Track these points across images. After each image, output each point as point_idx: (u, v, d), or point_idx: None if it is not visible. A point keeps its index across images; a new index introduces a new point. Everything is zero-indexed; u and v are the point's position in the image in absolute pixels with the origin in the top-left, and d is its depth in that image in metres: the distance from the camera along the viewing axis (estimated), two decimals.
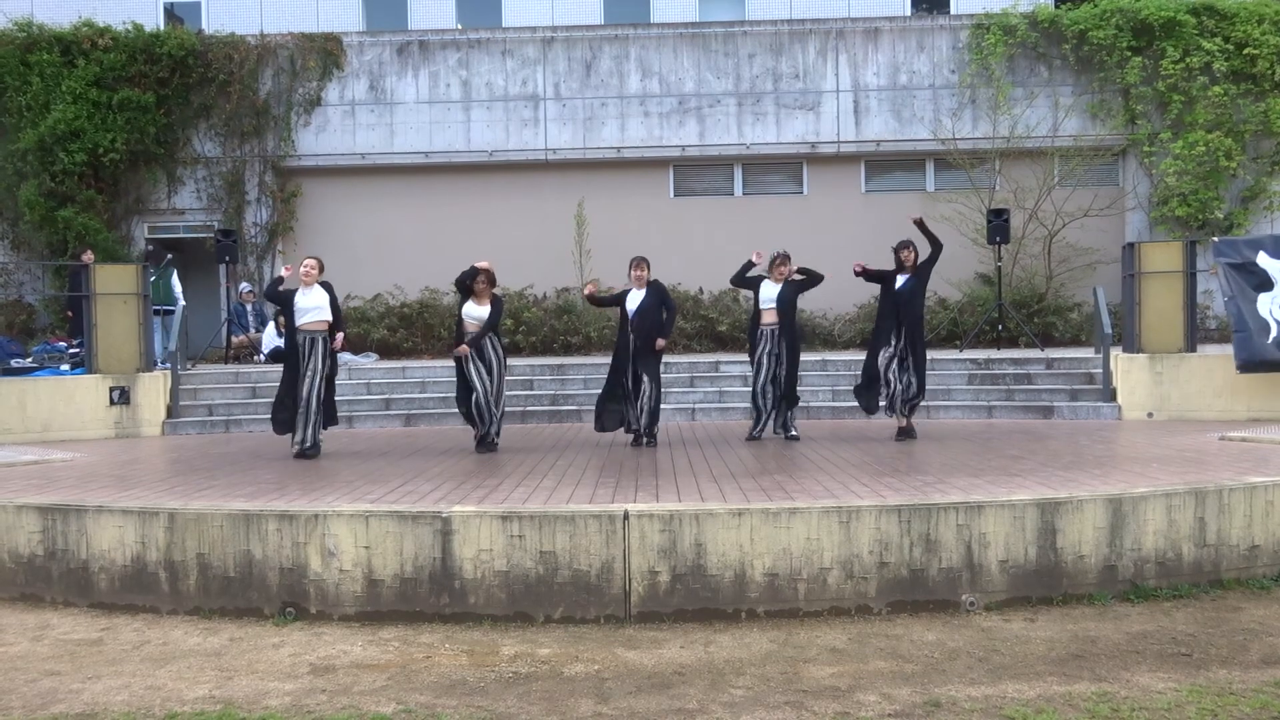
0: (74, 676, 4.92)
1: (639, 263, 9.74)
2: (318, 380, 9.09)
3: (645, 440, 9.53)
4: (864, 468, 7.60)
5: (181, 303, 13.88)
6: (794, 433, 9.79)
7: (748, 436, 9.87)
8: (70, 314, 15.34)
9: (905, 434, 9.55)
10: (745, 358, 13.98)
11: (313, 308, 9.12)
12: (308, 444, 9.12)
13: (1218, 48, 15.83)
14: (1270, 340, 10.66)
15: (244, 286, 15.93)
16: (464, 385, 9.33)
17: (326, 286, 9.28)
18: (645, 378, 9.49)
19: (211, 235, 15.72)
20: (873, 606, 5.73)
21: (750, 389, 10.08)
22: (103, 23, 16.50)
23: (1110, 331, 12.01)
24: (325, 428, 9.42)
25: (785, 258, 9.82)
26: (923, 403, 9.91)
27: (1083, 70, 16.44)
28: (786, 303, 9.69)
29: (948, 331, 15.46)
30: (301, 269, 9.21)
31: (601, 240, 16.17)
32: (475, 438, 9.45)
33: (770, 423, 9.84)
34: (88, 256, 14.48)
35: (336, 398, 9.67)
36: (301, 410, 9.08)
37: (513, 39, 16.97)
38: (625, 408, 9.61)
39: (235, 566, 5.92)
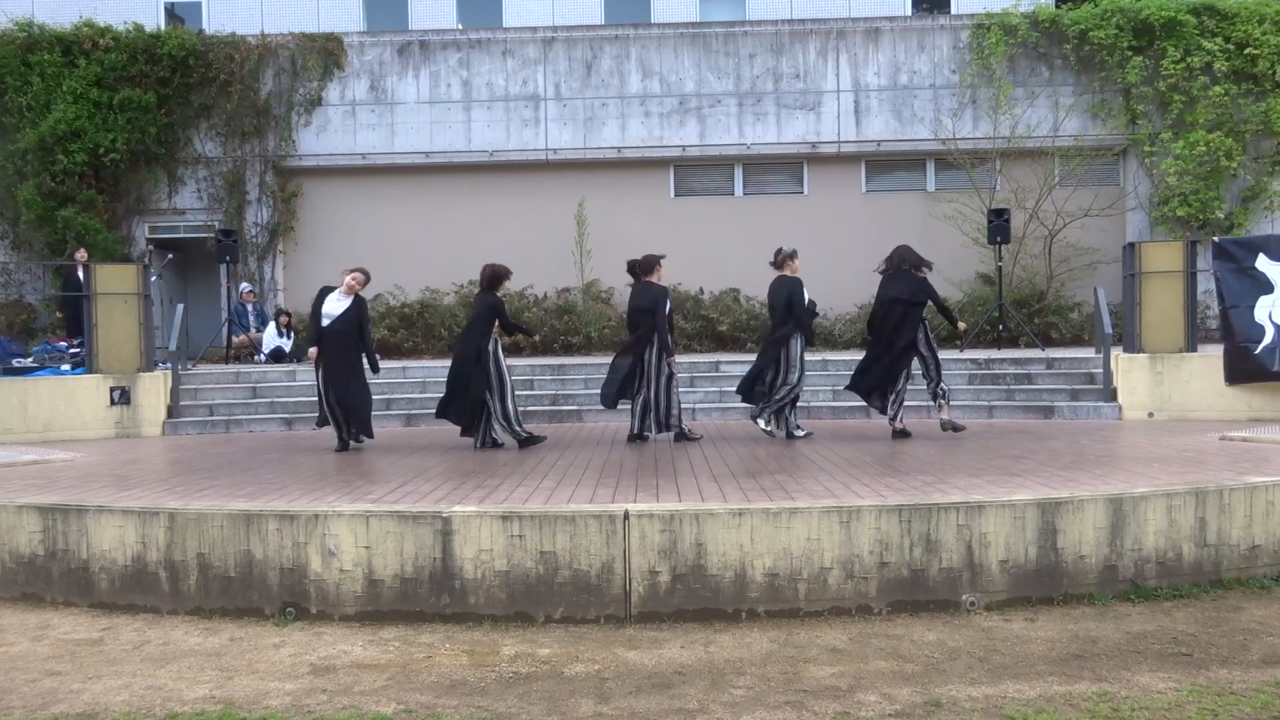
0: (74, 676, 4.92)
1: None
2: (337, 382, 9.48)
3: (685, 432, 9.76)
4: (864, 467, 7.59)
5: None
6: (799, 433, 9.81)
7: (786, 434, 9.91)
8: (61, 314, 15.36)
9: (900, 434, 9.60)
10: (746, 358, 14.03)
11: (338, 314, 9.43)
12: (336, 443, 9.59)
13: (1218, 47, 15.83)
14: (1263, 347, 10.65)
15: (244, 286, 15.93)
16: (462, 387, 9.44)
17: (359, 302, 9.60)
18: (661, 374, 9.63)
19: (212, 235, 15.74)
20: (873, 606, 5.73)
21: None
22: (103, 23, 16.52)
23: (1111, 331, 12.01)
24: (356, 438, 9.74)
25: (791, 255, 9.83)
26: (915, 403, 9.90)
27: (1083, 70, 16.44)
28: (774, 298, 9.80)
29: (948, 332, 15.44)
30: (349, 279, 9.52)
31: (602, 240, 16.18)
32: (477, 443, 9.58)
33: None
34: (80, 255, 14.49)
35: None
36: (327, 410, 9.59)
37: (513, 39, 16.98)
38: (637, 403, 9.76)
39: (236, 566, 5.92)
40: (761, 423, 9.73)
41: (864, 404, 11.86)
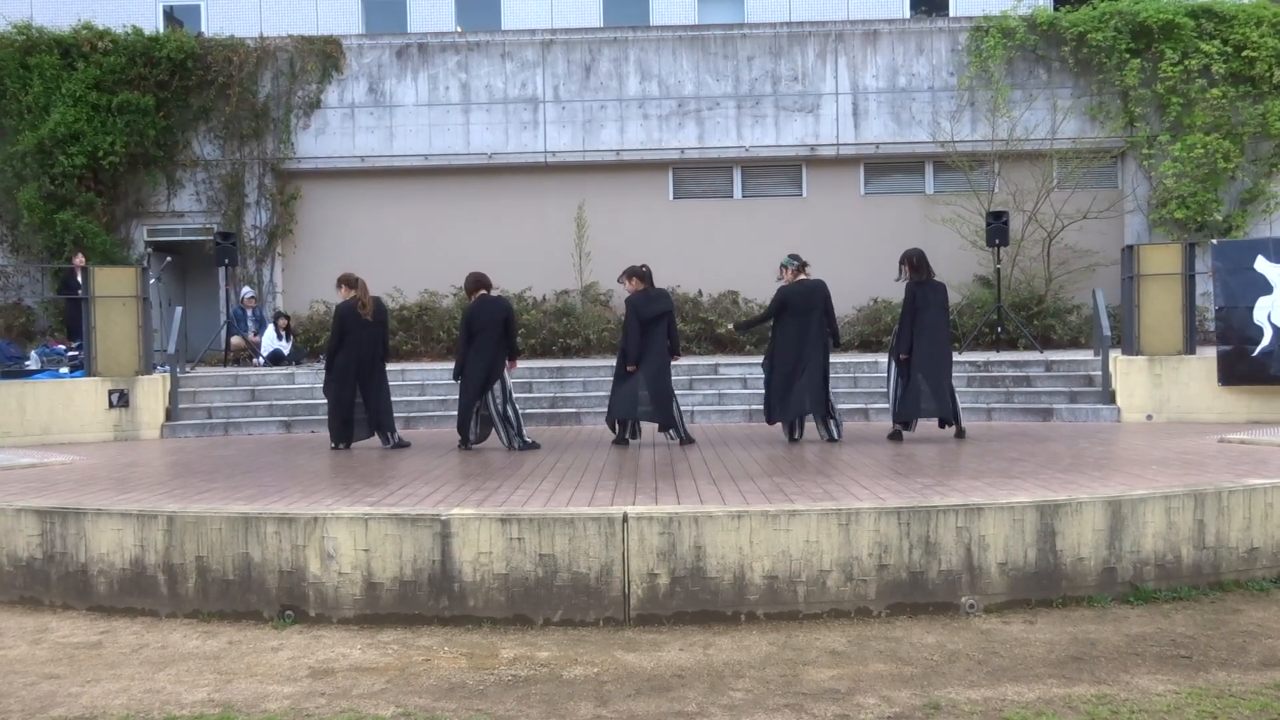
0: (73, 680, 4.92)
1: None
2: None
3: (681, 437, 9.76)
4: (863, 470, 7.60)
5: None
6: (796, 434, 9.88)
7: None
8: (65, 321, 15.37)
9: (895, 436, 9.69)
10: (746, 360, 14.04)
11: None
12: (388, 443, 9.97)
13: (1216, 50, 15.84)
14: (1261, 349, 10.64)
15: (246, 292, 15.88)
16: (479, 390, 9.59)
17: (380, 307, 10.06)
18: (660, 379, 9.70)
19: (211, 238, 15.72)
20: (872, 609, 5.73)
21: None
22: (102, 25, 16.52)
23: (1109, 334, 12.01)
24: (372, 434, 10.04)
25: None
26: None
27: (1081, 72, 16.45)
28: None
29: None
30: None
31: (601, 243, 16.18)
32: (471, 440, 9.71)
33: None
34: (78, 260, 14.50)
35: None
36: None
37: (512, 41, 16.98)
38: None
39: (234, 569, 5.92)
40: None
41: (861, 406, 11.92)
